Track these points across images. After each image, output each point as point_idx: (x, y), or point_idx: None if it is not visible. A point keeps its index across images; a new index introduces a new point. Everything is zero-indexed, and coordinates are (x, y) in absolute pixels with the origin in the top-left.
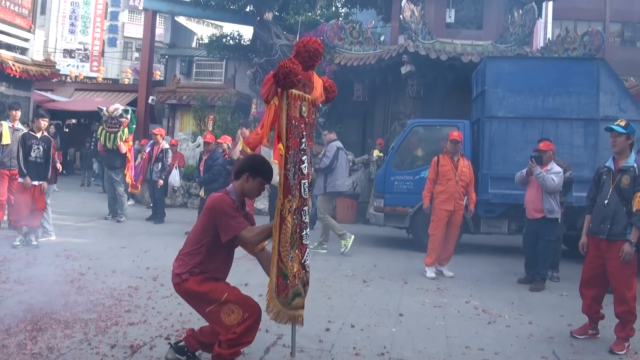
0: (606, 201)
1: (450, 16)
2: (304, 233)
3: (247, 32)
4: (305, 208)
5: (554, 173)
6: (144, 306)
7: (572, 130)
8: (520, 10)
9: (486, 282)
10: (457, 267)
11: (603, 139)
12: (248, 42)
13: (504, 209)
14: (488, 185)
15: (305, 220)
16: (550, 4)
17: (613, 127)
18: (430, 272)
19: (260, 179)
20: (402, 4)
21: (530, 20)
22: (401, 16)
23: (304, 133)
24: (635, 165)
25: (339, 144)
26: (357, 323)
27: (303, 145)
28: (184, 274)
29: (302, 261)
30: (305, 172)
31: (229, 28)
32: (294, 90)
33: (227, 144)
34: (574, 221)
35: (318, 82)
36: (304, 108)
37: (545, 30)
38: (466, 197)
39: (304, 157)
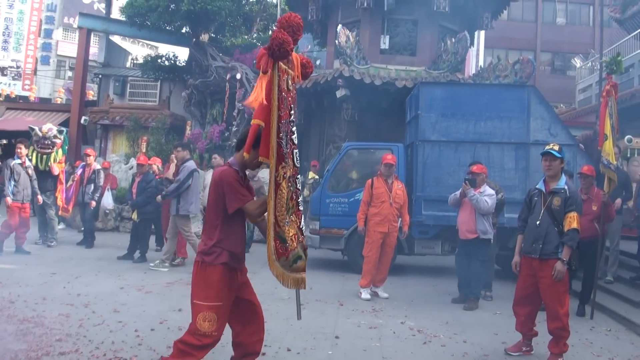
0: (538, 222)
1: (385, 42)
2: (299, 199)
3: (182, 54)
4: (299, 176)
5: (487, 195)
6: (75, 334)
7: (503, 153)
8: (453, 39)
9: (421, 303)
10: (392, 288)
11: (534, 162)
12: (183, 64)
13: (437, 230)
14: (421, 207)
15: (299, 188)
16: (483, 33)
17: (550, 151)
18: (366, 294)
19: (259, 149)
20: (338, 30)
21: (463, 48)
22: (337, 41)
23: (292, 105)
24: (566, 187)
25: (193, 164)
26: (293, 347)
27: (292, 117)
28: (207, 255)
29: (299, 226)
30: (296, 142)
31: (164, 49)
32: (281, 64)
33: (157, 166)
34: (505, 241)
35: (297, 60)
36: (289, 82)
37: (477, 58)
38: (400, 219)
39: (294, 128)
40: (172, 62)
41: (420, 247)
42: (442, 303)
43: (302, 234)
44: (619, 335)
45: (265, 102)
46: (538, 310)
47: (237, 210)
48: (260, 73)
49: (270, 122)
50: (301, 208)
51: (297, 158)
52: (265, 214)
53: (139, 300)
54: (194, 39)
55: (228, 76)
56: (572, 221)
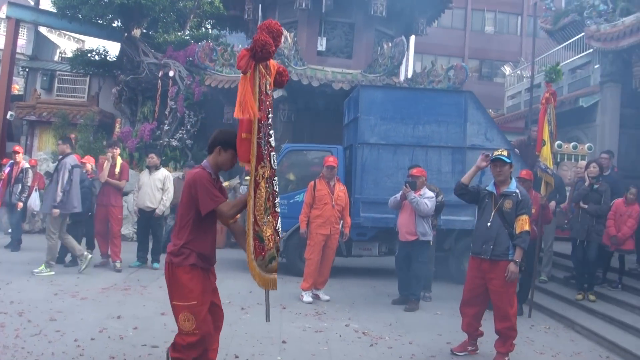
0: (489, 224)
1: (322, 44)
2: (276, 201)
3: (113, 49)
4: (276, 178)
5: (427, 198)
6: (13, 346)
7: (440, 157)
8: (390, 43)
9: (362, 305)
10: (332, 291)
11: (470, 165)
12: (114, 59)
13: (375, 232)
14: (360, 209)
15: (276, 189)
16: (413, 38)
17: (500, 157)
18: (307, 297)
19: (232, 150)
20: None
21: (400, 52)
22: None
23: (269, 109)
24: (517, 191)
25: (73, 160)
26: (240, 353)
27: (269, 120)
28: (176, 256)
29: (275, 227)
30: (273, 144)
31: (93, 43)
32: (261, 67)
33: (91, 165)
34: (441, 243)
35: (274, 67)
36: (267, 86)
37: (407, 63)
38: (342, 221)
39: (272, 132)
40: (103, 57)
41: (358, 249)
42: (383, 304)
43: (278, 235)
44: (558, 333)
45: (253, 116)
46: (484, 310)
47: (209, 212)
48: (241, 75)
49: (249, 125)
50: (278, 210)
51: (274, 160)
52: (238, 215)
53: (75, 307)
54: (126, 34)
55: (160, 73)
56: (524, 224)
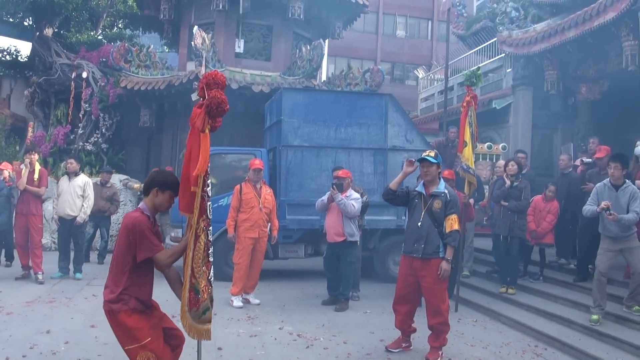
0: (419, 223)
1: (240, 46)
2: (210, 251)
3: (25, 48)
4: (211, 228)
5: (353, 199)
6: None
7: (362, 158)
8: (308, 46)
9: (293, 307)
10: (262, 294)
11: (391, 166)
12: (26, 59)
13: (301, 234)
14: (286, 211)
15: (211, 239)
16: (327, 41)
17: (426, 158)
18: (237, 301)
19: (170, 191)
20: (194, 31)
21: (318, 55)
22: (192, 43)
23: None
24: (446, 191)
25: None
26: None
27: (208, 170)
28: (114, 303)
29: (209, 277)
30: (210, 194)
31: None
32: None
33: (9, 172)
34: (366, 242)
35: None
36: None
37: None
38: (269, 224)
39: (209, 181)
40: (14, 57)
41: (284, 251)
42: (314, 306)
43: (211, 285)
44: (485, 325)
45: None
46: (416, 307)
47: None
48: (195, 133)
49: (195, 178)
50: (211, 259)
51: (210, 210)
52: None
53: (2, 323)
54: (38, 33)
55: (73, 74)
56: (453, 223)
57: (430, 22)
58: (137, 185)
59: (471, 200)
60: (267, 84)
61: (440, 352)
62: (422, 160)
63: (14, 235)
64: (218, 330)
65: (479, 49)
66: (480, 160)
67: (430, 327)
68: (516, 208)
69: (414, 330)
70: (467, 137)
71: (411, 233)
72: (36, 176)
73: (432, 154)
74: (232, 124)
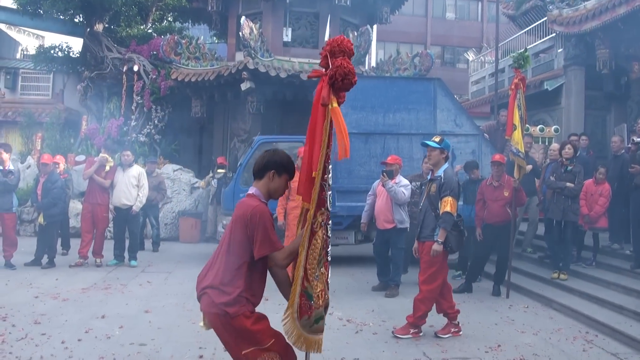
0: (420, 207)
1: (287, 35)
2: (329, 249)
3: (76, 44)
4: (330, 222)
5: (403, 186)
6: (0, 352)
7: (411, 144)
8: (355, 32)
9: (343, 293)
10: None
11: None
12: (78, 55)
13: (351, 220)
14: (335, 198)
15: (330, 236)
16: (375, 26)
17: (428, 142)
18: None
19: (286, 175)
20: (242, 21)
21: (366, 41)
22: (240, 33)
23: (330, 144)
24: (442, 174)
25: None
26: (218, 347)
27: (329, 154)
28: (231, 306)
29: (327, 279)
30: (330, 183)
31: (55, 39)
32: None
33: (63, 165)
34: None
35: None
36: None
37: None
38: None
39: (330, 167)
40: (66, 53)
41: (334, 237)
42: (364, 292)
43: (328, 289)
44: (536, 311)
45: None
46: (448, 290)
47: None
48: (320, 107)
49: (317, 162)
50: (329, 258)
51: (330, 201)
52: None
53: (58, 309)
54: (88, 29)
55: (125, 68)
56: (445, 205)
57: (480, 3)
58: (202, 182)
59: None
60: None
61: (410, 330)
62: (425, 145)
63: (81, 223)
64: (269, 315)
65: (530, 29)
66: (533, 143)
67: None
68: (570, 192)
69: (457, 312)
70: (516, 120)
71: (417, 219)
72: (107, 168)
73: (437, 139)
74: (282, 112)
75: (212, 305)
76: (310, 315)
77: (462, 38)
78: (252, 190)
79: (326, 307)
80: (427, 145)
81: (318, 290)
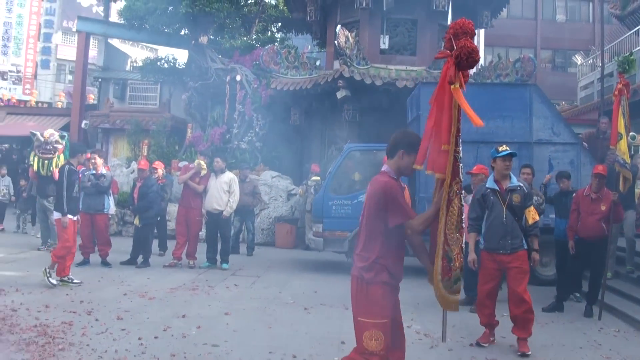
0: (504, 219)
1: (385, 42)
2: (463, 216)
3: (182, 56)
4: (463, 191)
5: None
6: (79, 343)
7: None
8: None
9: (427, 306)
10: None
11: (537, 161)
12: (183, 66)
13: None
14: (425, 208)
15: (463, 203)
16: (482, 31)
17: (515, 152)
18: None
19: (415, 154)
20: (337, 30)
21: None
22: (336, 42)
23: (459, 118)
24: (521, 184)
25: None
26: (298, 353)
27: (460, 128)
28: (367, 271)
29: (462, 244)
30: (462, 155)
31: (163, 51)
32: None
33: (162, 170)
34: None
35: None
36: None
37: None
38: None
39: (460, 140)
40: (172, 64)
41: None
42: None
43: (462, 252)
44: (627, 336)
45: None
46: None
47: (397, 225)
48: (448, 85)
49: (448, 135)
50: (464, 225)
51: (462, 172)
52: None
53: (143, 307)
54: (193, 41)
55: (228, 78)
56: (534, 215)
57: (590, 4)
58: (300, 190)
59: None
60: (412, 79)
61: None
62: (510, 154)
63: (175, 226)
64: (346, 324)
65: (638, 30)
66: None
67: (515, 317)
68: None
69: (497, 324)
70: (621, 128)
71: (496, 230)
72: (203, 173)
73: (508, 148)
74: (379, 120)
75: (354, 269)
76: (451, 277)
77: (573, 41)
78: (384, 167)
79: (461, 270)
80: (513, 156)
81: (455, 254)
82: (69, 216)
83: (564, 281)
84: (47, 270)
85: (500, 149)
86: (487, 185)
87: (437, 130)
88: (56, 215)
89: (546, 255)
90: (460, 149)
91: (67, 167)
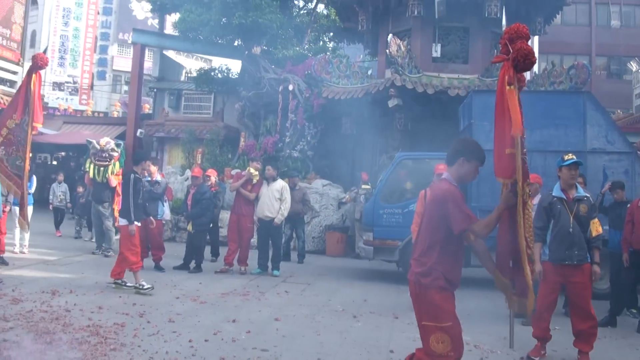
0: (571, 229)
1: (437, 51)
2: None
3: (235, 66)
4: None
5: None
6: (130, 344)
7: None
8: None
9: (477, 317)
10: None
11: (591, 170)
12: (236, 76)
13: (493, 242)
14: (478, 217)
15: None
16: (536, 38)
17: (581, 161)
18: None
19: (476, 162)
20: (389, 39)
21: None
22: (387, 51)
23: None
24: (588, 195)
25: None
26: None
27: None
28: (425, 276)
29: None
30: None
31: (217, 62)
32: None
33: (215, 178)
34: None
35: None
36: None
37: None
38: None
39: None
40: (225, 74)
41: (476, 259)
42: (500, 317)
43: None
44: None
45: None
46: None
47: (461, 230)
48: (505, 87)
49: (509, 140)
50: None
51: (528, 174)
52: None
53: (194, 310)
54: (246, 52)
55: (280, 88)
56: (598, 227)
57: None
58: (348, 196)
59: None
60: (464, 87)
61: None
62: (576, 163)
63: (227, 233)
64: (395, 334)
65: None
66: None
67: (579, 332)
68: None
69: (551, 338)
70: None
71: (562, 239)
72: (255, 180)
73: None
74: (430, 129)
75: (412, 274)
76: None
77: (628, 47)
78: (444, 174)
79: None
80: (580, 165)
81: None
82: (136, 223)
83: (618, 295)
84: (137, 284)
85: (566, 157)
86: (553, 194)
87: (500, 135)
88: (122, 222)
89: (600, 268)
90: (527, 150)
91: (132, 175)
